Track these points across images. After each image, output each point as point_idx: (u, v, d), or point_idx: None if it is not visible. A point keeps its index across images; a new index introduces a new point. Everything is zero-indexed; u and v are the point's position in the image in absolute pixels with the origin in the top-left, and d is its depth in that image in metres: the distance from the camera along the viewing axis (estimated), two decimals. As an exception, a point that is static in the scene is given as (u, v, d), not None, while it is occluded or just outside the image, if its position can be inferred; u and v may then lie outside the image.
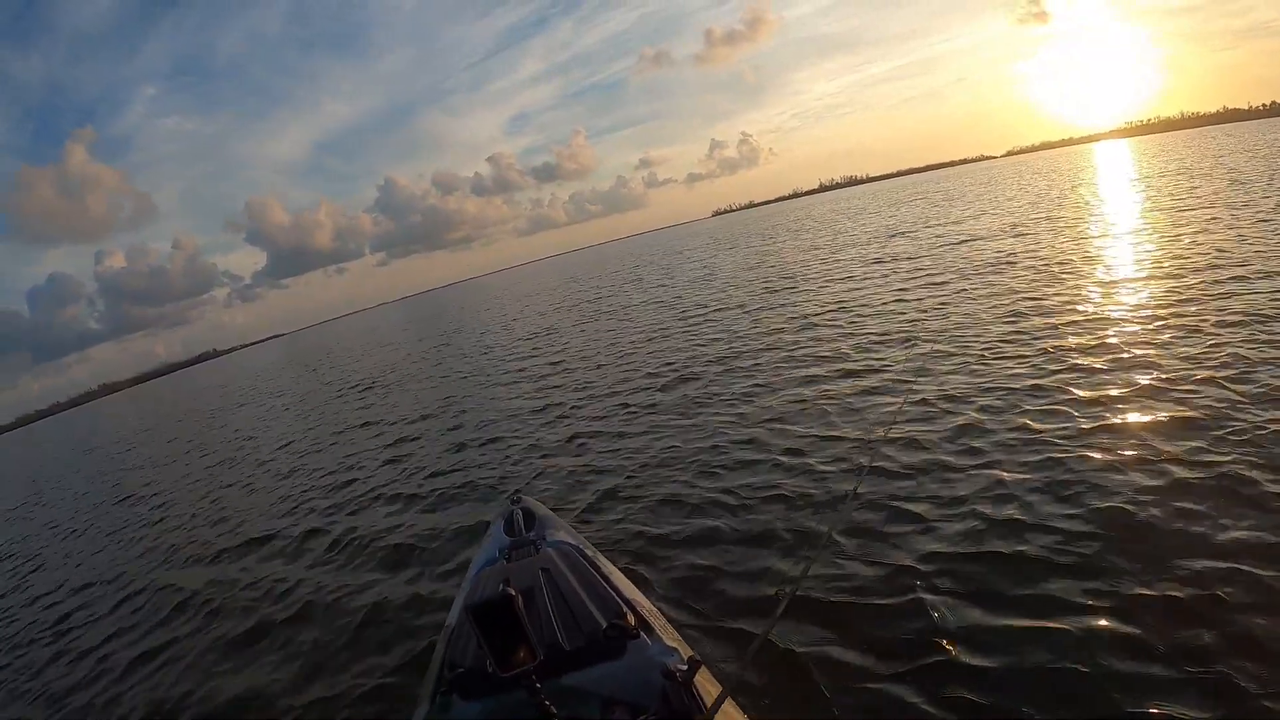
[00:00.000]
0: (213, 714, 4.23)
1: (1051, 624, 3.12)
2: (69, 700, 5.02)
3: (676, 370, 9.85)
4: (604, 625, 2.33)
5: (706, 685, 2.09)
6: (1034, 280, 10.39)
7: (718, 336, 11.72)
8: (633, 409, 8.43)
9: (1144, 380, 5.59)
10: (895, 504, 4.52)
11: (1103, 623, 3.08)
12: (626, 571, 3.31)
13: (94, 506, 12.46)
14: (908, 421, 5.89)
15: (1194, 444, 4.45)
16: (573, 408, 9.27)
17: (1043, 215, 19.44)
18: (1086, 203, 20.92)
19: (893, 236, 22.45)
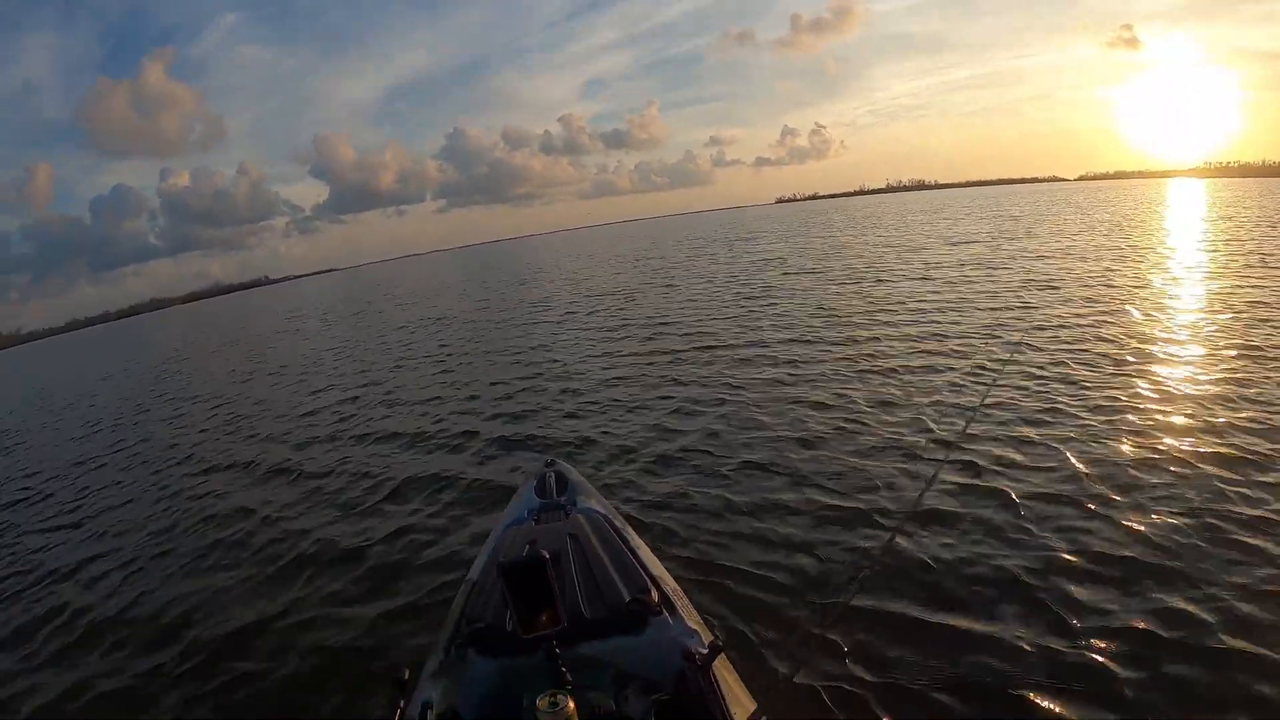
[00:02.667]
0: (215, 635, 4.34)
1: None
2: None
3: (754, 350, 9.95)
4: (627, 599, 2.33)
5: (724, 672, 2.08)
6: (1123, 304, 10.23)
7: (795, 320, 11.93)
8: (704, 383, 8.51)
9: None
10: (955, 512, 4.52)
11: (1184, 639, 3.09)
12: (654, 548, 3.29)
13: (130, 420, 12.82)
14: (988, 423, 5.91)
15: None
16: (638, 376, 9.41)
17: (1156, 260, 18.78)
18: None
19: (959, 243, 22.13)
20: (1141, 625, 3.21)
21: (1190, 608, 3.28)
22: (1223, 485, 4.44)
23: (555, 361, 11.05)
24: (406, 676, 1.92)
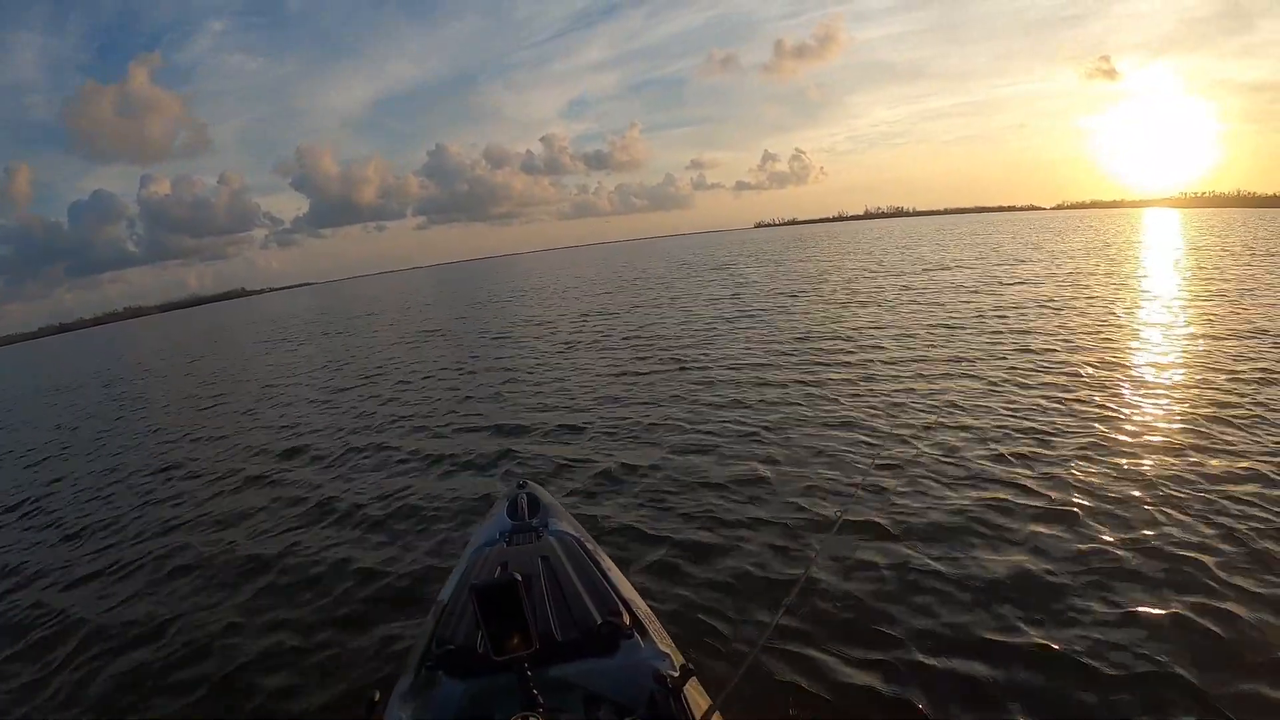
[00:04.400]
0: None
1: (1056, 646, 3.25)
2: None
3: (743, 373, 9.91)
4: (599, 621, 2.31)
5: (695, 695, 2.07)
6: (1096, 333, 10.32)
7: (783, 341, 11.96)
8: (689, 405, 8.45)
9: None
10: (900, 524, 4.64)
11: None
12: (626, 571, 3.29)
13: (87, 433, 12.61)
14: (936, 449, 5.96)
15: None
16: (616, 395, 9.39)
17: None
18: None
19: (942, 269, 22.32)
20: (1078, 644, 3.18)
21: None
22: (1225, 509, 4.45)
23: (530, 381, 10.99)
24: (377, 698, 1.91)
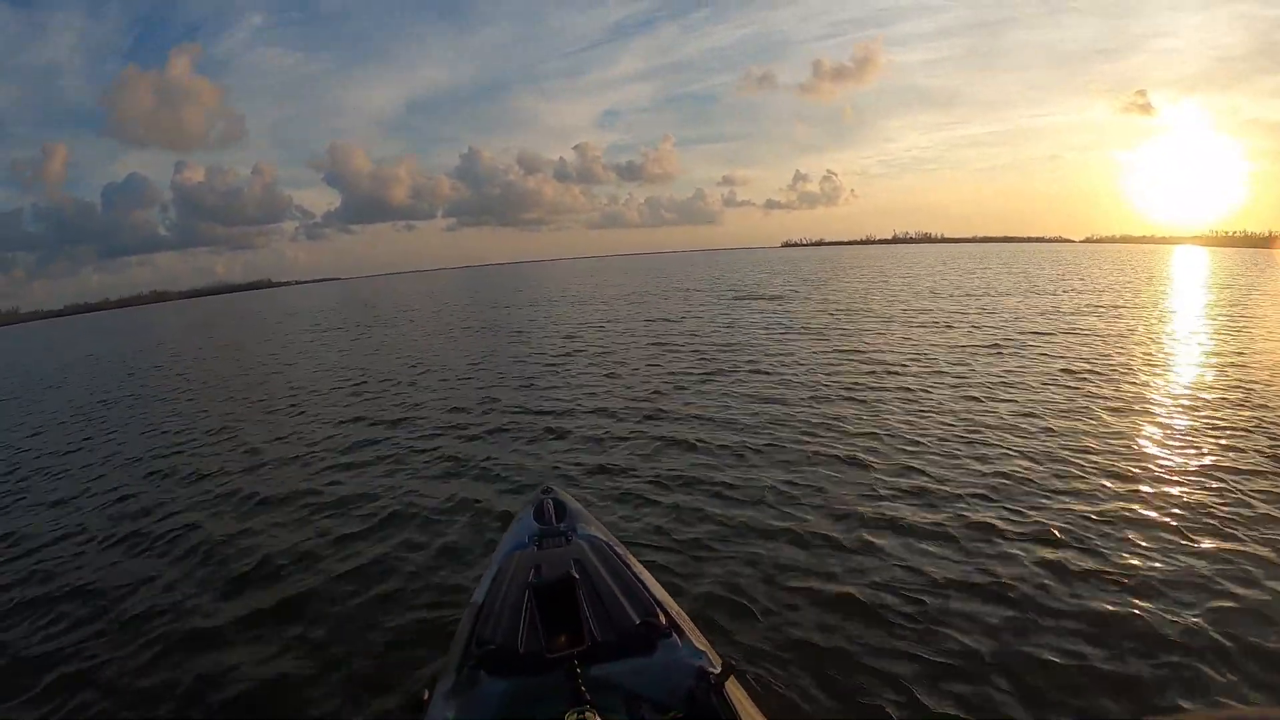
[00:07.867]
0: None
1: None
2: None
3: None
4: (637, 621, 2.35)
5: (737, 693, 2.11)
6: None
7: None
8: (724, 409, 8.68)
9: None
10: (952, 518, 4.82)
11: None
12: (656, 574, 3.32)
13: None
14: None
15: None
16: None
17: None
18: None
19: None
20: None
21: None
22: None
23: (553, 391, 11.03)
24: (427, 696, 1.95)
